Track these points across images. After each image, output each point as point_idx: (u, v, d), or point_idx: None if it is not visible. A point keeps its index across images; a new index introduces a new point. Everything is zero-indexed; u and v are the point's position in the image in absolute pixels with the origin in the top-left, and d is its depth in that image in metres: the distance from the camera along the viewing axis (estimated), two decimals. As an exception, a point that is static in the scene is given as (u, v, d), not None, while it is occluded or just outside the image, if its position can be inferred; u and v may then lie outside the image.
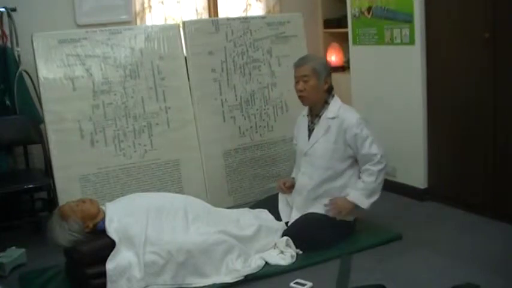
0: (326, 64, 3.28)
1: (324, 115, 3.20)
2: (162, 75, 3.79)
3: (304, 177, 3.24)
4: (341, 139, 3.13)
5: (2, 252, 3.17)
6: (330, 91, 3.22)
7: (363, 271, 2.85)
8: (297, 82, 3.20)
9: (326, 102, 3.21)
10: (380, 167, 3.10)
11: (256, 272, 2.88)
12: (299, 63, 3.22)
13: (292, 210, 3.28)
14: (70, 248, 2.86)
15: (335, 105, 3.20)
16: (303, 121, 3.34)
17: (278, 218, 3.27)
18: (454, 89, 3.56)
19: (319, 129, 3.20)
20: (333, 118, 3.16)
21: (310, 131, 3.26)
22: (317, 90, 3.17)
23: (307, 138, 3.26)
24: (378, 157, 3.09)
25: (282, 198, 3.38)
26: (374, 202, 3.13)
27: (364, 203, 3.11)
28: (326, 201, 3.15)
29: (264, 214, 3.28)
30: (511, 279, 2.67)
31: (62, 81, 3.54)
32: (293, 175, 3.47)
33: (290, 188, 3.36)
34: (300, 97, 3.22)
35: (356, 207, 3.12)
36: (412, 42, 3.70)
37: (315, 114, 3.25)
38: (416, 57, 3.69)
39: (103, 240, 2.81)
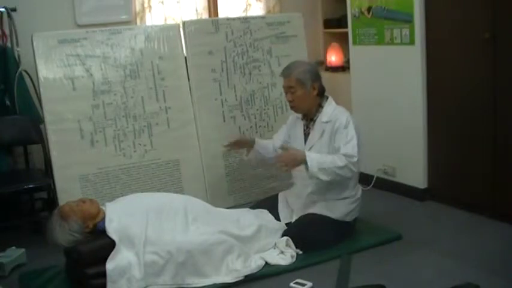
0: (312, 70, 3.17)
1: (318, 119, 3.16)
2: (162, 75, 3.79)
3: (303, 181, 3.22)
4: (333, 141, 3.10)
5: (2, 252, 3.17)
6: (321, 94, 3.18)
7: (363, 271, 2.85)
8: (285, 92, 3.18)
9: (320, 106, 3.17)
10: (350, 166, 2.96)
11: (256, 272, 2.88)
12: (283, 74, 3.18)
13: (292, 212, 3.29)
14: (70, 248, 2.86)
15: (329, 108, 3.15)
16: (298, 124, 3.30)
17: (277, 218, 3.27)
18: (454, 89, 3.55)
19: (314, 133, 3.17)
20: (327, 122, 3.12)
21: (306, 135, 3.23)
22: (306, 98, 3.13)
23: (303, 142, 3.22)
24: (355, 160, 2.97)
25: (281, 200, 3.38)
26: (318, 176, 2.96)
27: (313, 165, 2.94)
28: (315, 197, 3.16)
29: (264, 214, 3.27)
30: (511, 279, 2.67)
31: (62, 81, 3.54)
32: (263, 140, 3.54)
33: (240, 144, 3.49)
34: (291, 107, 3.20)
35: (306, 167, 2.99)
36: (412, 42, 3.70)
37: (309, 119, 3.22)
38: (416, 57, 3.69)
39: (103, 240, 2.81)
